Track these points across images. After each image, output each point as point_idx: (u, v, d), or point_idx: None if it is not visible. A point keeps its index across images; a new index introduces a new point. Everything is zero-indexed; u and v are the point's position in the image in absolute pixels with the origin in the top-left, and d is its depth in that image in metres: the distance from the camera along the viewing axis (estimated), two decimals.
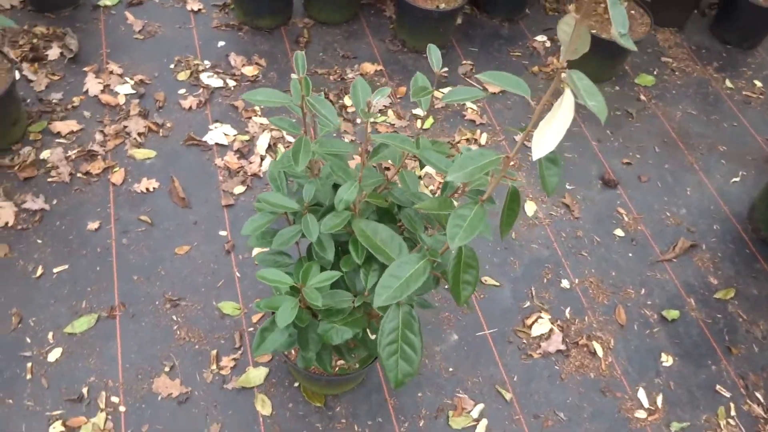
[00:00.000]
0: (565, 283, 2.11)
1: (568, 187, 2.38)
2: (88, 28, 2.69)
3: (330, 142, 1.20)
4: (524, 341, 1.97)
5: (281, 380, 1.82)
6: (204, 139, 2.36)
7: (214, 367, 1.83)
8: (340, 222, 1.24)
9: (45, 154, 2.23)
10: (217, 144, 2.35)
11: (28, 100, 2.39)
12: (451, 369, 1.89)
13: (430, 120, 2.51)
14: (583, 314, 2.05)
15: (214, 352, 1.85)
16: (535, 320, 2.01)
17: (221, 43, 2.70)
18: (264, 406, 1.77)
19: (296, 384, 1.82)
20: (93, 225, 2.08)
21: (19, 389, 1.75)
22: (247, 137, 2.36)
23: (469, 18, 2.96)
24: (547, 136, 0.93)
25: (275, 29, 2.79)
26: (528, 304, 2.05)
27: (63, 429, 1.69)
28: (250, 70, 2.60)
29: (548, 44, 2.90)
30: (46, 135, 2.30)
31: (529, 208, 2.29)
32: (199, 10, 2.83)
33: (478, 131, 2.49)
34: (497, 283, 2.09)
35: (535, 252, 2.18)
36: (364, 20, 2.89)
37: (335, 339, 1.24)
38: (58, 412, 1.72)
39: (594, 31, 2.57)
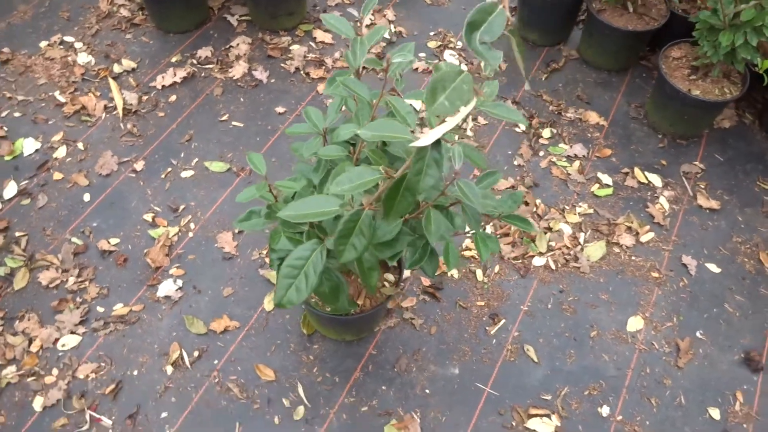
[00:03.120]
0: (605, 411, 1.83)
1: (698, 335, 1.99)
2: None
3: (351, 82, 1.30)
4: (513, 424, 1.79)
5: None
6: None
7: (264, 252, 2.08)
8: (334, 154, 1.34)
9: (294, 47, 2.71)
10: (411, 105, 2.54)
11: (318, 7, 2.89)
12: (427, 390, 1.83)
13: (610, 190, 2.31)
14: None
15: None
16: (541, 416, 1.80)
17: None
18: (269, 302, 1.97)
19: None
20: (280, 109, 2.48)
21: (151, 180, 2.25)
22: None
23: (741, 127, 2.57)
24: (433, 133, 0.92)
25: (540, 47, 2.82)
26: (549, 398, 1.84)
27: (150, 220, 2.14)
28: None
29: None
30: (306, 35, 2.77)
31: (634, 323, 1.99)
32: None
33: (647, 227, 2.21)
34: (536, 360, 1.90)
35: (601, 364, 1.91)
36: (630, 77, 2.73)
37: (274, 243, 1.37)
38: (157, 209, 2.18)
39: None
